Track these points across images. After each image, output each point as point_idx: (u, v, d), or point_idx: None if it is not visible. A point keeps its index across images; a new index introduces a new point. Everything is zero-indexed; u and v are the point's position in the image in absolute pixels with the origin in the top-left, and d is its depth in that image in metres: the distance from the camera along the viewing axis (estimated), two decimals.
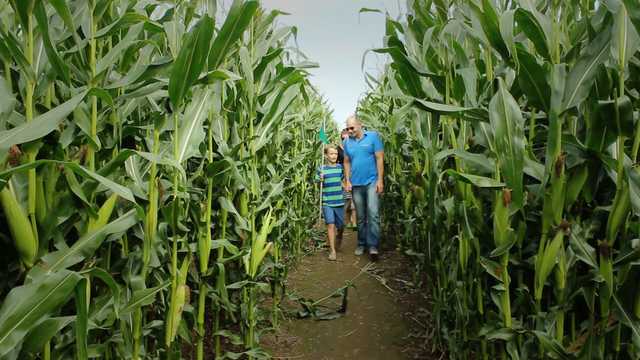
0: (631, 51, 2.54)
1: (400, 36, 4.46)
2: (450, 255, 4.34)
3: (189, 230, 3.54)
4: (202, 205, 3.63)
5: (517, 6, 2.89)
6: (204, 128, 3.39)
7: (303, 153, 7.47)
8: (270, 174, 5.67)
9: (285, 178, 7.43)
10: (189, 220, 3.61)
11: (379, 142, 8.94)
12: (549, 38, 2.84)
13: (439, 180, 3.11)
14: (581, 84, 2.66)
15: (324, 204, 9.52)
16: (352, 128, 8.96)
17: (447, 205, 3.78)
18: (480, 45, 3.58)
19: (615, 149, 2.89)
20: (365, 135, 9.02)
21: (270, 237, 5.22)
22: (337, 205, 9.44)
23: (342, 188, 9.58)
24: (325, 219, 9.55)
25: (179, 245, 3.22)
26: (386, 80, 8.15)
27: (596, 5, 3.44)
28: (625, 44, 2.52)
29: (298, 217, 8.24)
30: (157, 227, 3.04)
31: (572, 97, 2.67)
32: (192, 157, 4.44)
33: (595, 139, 2.78)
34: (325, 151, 9.50)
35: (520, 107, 3.22)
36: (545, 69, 3.01)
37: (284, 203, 6.96)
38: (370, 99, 11.29)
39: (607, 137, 2.76)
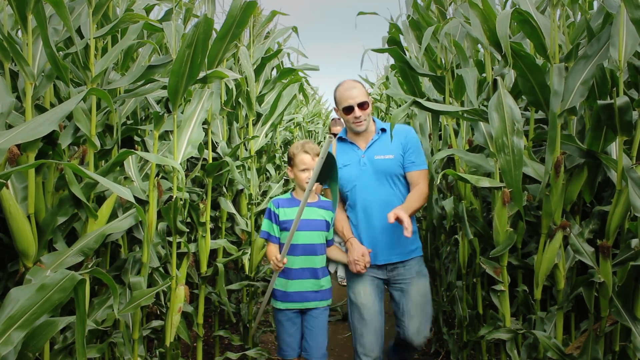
0: (630, 51, 2.54)
1: (400, 37, 4.46)
2: (449, 255, 4.34)
3: (188, 230, 3.54)
4: (201, 206, 3.63)
5: (517, 6, 2.89)
6: (203, 128, 3.39)
7: None
8: (270, 174, 5.67)
9: (285, 178, 7.45)
10: (189, 220, 3.61)
11: (418, 148, 3.50)
12: (547, 38, 2.84)
13: (438, 180, 3.11)
14: (580, 84, 2.67)
15: (276, 306, 3.45)
16: (363, 107, 3.36)
17: (446, 205, 3.78)
18: (479, 45, 3.58)
19: (614, 148, 2.89)
20: (383, 130, 3.48)
21: None
22: (308, 305, 3.39)
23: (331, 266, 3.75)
24: (278, 347, 3.57)
25: (179, 245, 3.22)
26: (387, 78, 8.15)
27: (595, 5, 3.44)
28: (624, 44, 2.52)
29: None
30: (157, 227, 3.04)
31: (571, 97, 2.67)
32: (192, 157, 4.44)
33: (594, 138, 2.78)
34: (291, 160, 3.47)
35: (520, 107, 3.23)
36: (544, 68, 3.01)
37: None
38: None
39: (607, 137, 2.77)
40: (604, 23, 2.86)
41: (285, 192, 5.35)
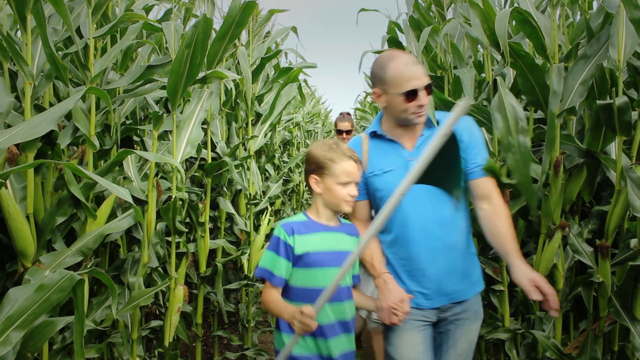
0: (630, 51, 2.55)
1: (400, 36, 4.45)
2: None
3: (187, 230, 3.54)
4: (200, 205, 3.62)
5: (516, 5, 2.89)
6: (202, 128, 3.39)
7: (302, 153, 7.44)
8: (269, 174, 5.67)
9: (284, 178, 7.44)
10: (188, 220, 3.61)
11: (484, 146, 2.42)
12: (547, 38, 2.84)
13: None
14: (579, 84, 2.67)
15: None
16: (429, 91, 2.24)
17: None
18: (479, 45, 3.58)
19: (613, 148, 2.89)
20: (435, 123, 2.38)
21: (269, 237, 5.21)
22: None
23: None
24: None
25: (178, 245, 3.22)
26: None
27: (595, 5, 3.44)
28: (623, 44, 2.53)
29: None
30: (156, 227, 3.03)
31: (570, 97, 2.68)
32: (191, 157, 4.45)
33: (593, 138, 2.78)
34: (321, 168, 2.19)
35: None
36: (544, 68, 3.01)
37: (283, 203, 6.97)
38: (369, 99, 11.27)
39: (606, 137, 2.77)
40: (603, 23, 2.86)
41: (283, 191, 5.22)
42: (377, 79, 2.29)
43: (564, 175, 2.80)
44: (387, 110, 2.34)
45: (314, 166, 2.19)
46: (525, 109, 3.44)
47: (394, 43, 4.21)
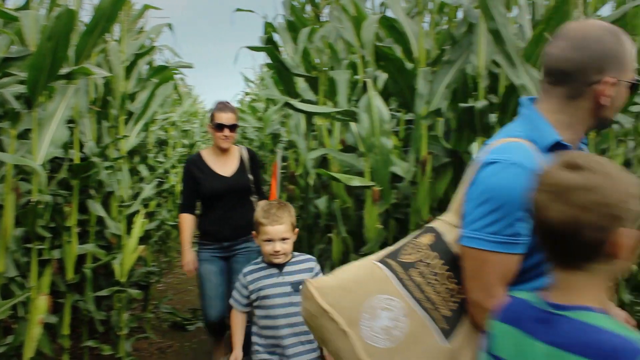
0: (489, 58, 2.72)
1: (277, 37, 4.47)
2: (324, 253, 4.40)
3: (52, 235, 3.31)
4: (66, 209, 3.41)
5: (386, 11, 3.00)
6: (69, 127, 3.19)
7: (178, 153, 7.22)
8: (143, 175, 5.46)
9: (159, 179, 7.20)
10: (53, 224, 3.38)
11: None
12: (416, 43, 2.96)
13: (312, 180, 3.14)
14: (445, 87, 2.81)
15: None
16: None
17: (320, 204, 3.83)
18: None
19: (475, 148, 3.07)
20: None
21: (143, 240, 5.02)
22: None
23: None
24: None
25: (40, 252, 3.00)
26: (262, 79, 8.14)
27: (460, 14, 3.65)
28: (484, 51, 2.70)
29: (173, 219, 8.00)
30: (14, 233, 2.81)
31: (436, 100, 2.81)
32: (57, 158, 4.18)
33: (458, 139, 2.94)
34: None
35: (392, 109, 3.33)
36: (414, 72, 3.14)
37: (158, 205, 6.74)
38: (247, 98, 11.21)
39: (469, 137, 2.93)
40: (468, 31, 3.03)
41: (158, 192, 5.03)
42: (611, 59, 1.42)
43: (432, 173, 2.94)
44: (598, 110, 1.46)
45: (618, 215, 1.14)
46: (398, 110, 3.59)
47: (270, 43, 4.21)
